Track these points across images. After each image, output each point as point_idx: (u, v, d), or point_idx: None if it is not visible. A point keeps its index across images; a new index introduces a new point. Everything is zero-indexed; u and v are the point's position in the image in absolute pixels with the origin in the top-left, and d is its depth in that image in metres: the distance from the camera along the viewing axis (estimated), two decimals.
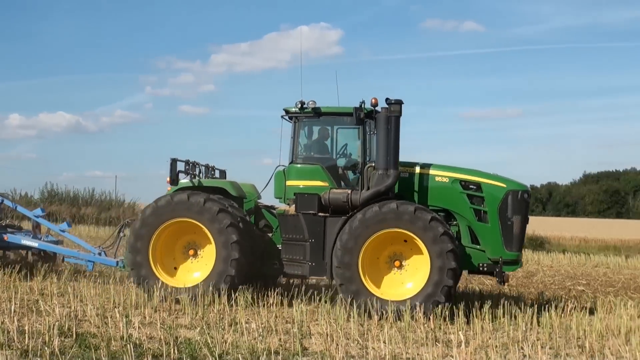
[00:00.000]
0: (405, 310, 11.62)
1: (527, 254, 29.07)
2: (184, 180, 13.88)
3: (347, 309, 11.99)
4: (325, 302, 12.32)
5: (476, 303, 12.45)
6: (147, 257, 13.01)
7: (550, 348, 10.20)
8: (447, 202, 13.12)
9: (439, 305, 11.97)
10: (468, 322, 11.63)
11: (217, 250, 12.80)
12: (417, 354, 9.11)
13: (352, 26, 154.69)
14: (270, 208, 14.79)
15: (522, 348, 9.75)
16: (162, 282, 12.81)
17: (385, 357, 8.97)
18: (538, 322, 11.72)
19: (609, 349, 10.05)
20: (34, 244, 15.47)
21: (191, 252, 13.38)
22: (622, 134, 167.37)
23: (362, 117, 13.10)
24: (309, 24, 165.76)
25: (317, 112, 13.57)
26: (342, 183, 13.46)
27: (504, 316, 11.91)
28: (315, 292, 12.88)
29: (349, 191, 13.03)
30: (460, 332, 10.30)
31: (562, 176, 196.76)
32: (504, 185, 13.06)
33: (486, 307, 12.00)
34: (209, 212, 12.85)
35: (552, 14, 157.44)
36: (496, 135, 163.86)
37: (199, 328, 10.37)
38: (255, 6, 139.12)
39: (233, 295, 12.46)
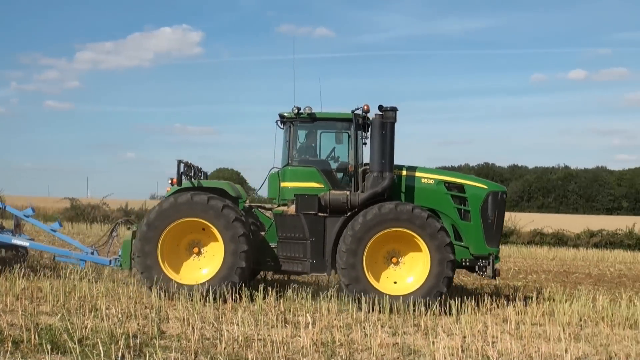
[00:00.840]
0: (409, 304, 12.53)
1: None
2: (186, 181, 14.10)
3: (204, 294, 12.61)
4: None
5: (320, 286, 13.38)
6: (157, 259, 13.20)
7: (389, 327, 11.21)
8: (433, 202, 13.87)
9: (442, 295, 12.98)
10: (316, 305, 12.46)
11: (225, 245, 13.17)
12: (268, 335, 9.76)
13: (212, 28, 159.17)
14: (260, 208, 15.23)
15: (364, 328, 10.65)
16: (175, 282, 13.06)
17: (238, 338, 9.60)
18: (380, 304, 12.73)
19: (442, 327, 11.17)
20: (25, 243, 15.25)
21: (195, 250, 13.65)
22: (456, 133, 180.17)
23: (362, 122, 13.90)
24: (172, 26, 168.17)
25: (312, 118, 14.08)
26: (335, 184, 13.97)
27: (348, 298, 12.92)
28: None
29: (348, 192, 13.62)
30: (308, 314, 11.11)
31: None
32: (485, 187, 14.11)
33: (332, 291, 12.95)
34: (214, 209, 13.21)
35: (396, 24, 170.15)
36: None
37: (59, 314, 10.62)
38: (120, 7, 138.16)
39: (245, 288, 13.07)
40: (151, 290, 12.88)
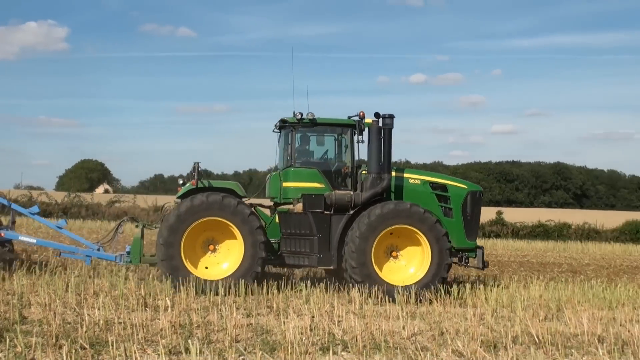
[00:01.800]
0: (414, 292, 13.73)
1: None
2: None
3: (66, 280, 12.87)
4: (45, 274, 13.02)
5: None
6: (180, 250, 13.71)
7: (244, 309, 11.91)
8: (420, 201, 14.86)
9: (444, 280, 14.31)
10: (176, 290, 12.98)
11: (246, 248, 13.94)
12: (128, 319, 10.17)
13: (77, 25, 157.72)
14: (260, 206, 15.63)
15: (220, 310, 11.28)
16: (192, 274, 13.59)
17: (99, 322, 9.96)
18: (236, 288, 13.40)
19: (292, 308, 11.98)
20: (32, 240, 15.20)
21: (211, 247, 14.30)
22: None
23: (363, 128, 14.77)
24: (37, 20, 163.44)
25: (313, 123, 15.05)
26: (334, 185, 14.93)
27: (206, 284, 13.54)
28: (36, 266, 13.47)
29: (352, 192, 14.70)
30: (167, 298, 11.62)
31: (261, 164, 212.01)
32: (465, 187, 15.52)
33: (192, 277, 13.52)
34: (241, 214, 13.97)
35: (253, 26, 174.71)
36: (205, 128, 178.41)
37: None
38: None
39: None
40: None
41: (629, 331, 10.83)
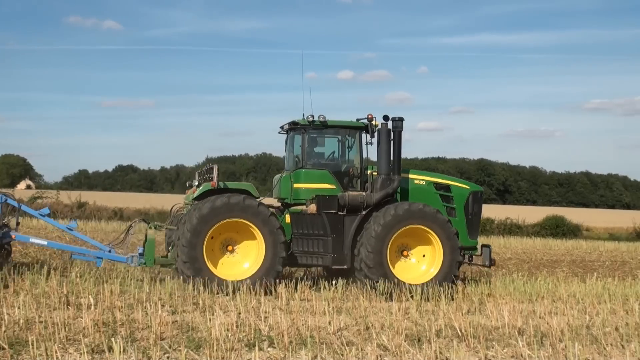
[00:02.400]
0: (429, 289, 14.04)
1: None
2: (207, 183, 14.81)
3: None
4: None
5: (106, 270, 13.66)
6: (202, 251, 13.83)
7: (170, 306, 11.80)
8: (425, 201, 15.20)
9: (456, 277, 14.77)
10: (98, 286, 12.73)
11: (267, 248, 14.10)
12: (50, 317, 9.97)
13: None
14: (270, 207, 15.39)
15: (145, 307, 11.13)
16: (215, 275, 13.73)
17: (19, 321, 9.74)
18: (160, 284, 13.27)
19: (219, 305, 11.93)
20: (42, 242, 15.14)
21: (229, 248, 14.43)
22: (237, 125, 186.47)
23: (375, 130, 14.96)
24: None
25: (324, 125, 15.30)
26: (344, 185, 15.27)
27: (131, 281, 13.34)
28: None
29: (364, 193, 14.93)
30: (90, 296, 11.41)
31: (188, 159, 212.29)
32: (468, 187, 16.05)
33: (115, 273, 13.32)
34: (262, 214, 14.14)
35: (181, 20, 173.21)
36: (131, 123, 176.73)
37: None
38: None
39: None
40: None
41: (547, 323, 11.14)
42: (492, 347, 9.63)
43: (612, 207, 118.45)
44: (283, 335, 9.45)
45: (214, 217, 13.93)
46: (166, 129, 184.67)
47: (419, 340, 9.93)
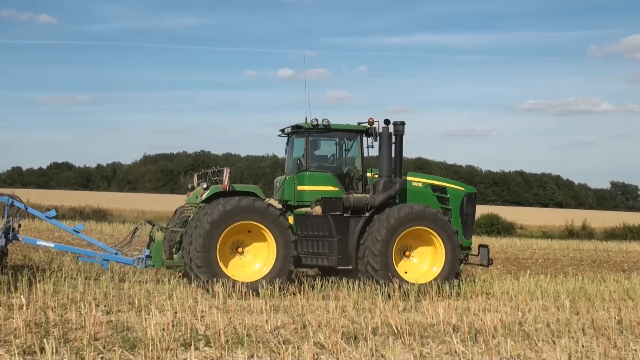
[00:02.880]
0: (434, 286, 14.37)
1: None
2: (215, 186, 15.05)
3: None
4: None
5: (39, 270, 13.37)
6: (216, 255, 14.01)
7: (105, 306, 11.63)
8: (422, 202, 15.64)
9: (458, 274, 15.37)
10: (30, 287, 12.45)
11: (278, 249, 14.35)
12: None
13: None
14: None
15: (79, 307, 10.94)
16: (230, 277, 13.87)
17: None
18: (95, 283, 13.07)
19: (155, 304, 11.81)
20: (50, 245, 14.93)
21: (239, 250, 14.64)
22: (174, 122, 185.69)
23: (378, 134, 15.33)
24: None
25: (327, 128, 15.66)
26: (346, 188, 15.66)
27: (65, 280, 13.10)
28: None
29: (367, 195, 15.26)
30: (22, 296, 11.16)
31: (125, 156, 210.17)
32: (463, 189, 16.61)
33: (48, 272, 13.05)
34: (272, 215, 14.38)
35: (119, 15, 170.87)
36: (66, 119, 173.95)
37: None
38: None
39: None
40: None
41: (481, 320, 11.34)
42: (427, 344, 9.75)
43: (546, 205, 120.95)
44: (220, 335, 9.40)
45: (225, 221, 14.10)
46: (102, 125, 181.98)
47: (355, 338, 10.00)
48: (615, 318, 12.33)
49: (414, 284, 14.35)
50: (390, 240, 14.74)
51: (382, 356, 8.98)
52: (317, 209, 15.26)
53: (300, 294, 13.54)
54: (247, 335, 9.76)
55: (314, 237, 15.26)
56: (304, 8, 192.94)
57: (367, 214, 15.19)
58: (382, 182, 15.41)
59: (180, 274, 15.35)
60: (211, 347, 9.11)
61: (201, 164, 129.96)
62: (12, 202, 14.42)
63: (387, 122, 15.42)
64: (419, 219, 14.99)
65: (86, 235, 16.63)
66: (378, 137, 15.45)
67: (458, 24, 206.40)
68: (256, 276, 14.27)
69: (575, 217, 53.64)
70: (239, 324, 10.41)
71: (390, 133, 15.42)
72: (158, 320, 9.98)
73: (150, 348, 8.53)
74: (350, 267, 15.08)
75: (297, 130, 15.95)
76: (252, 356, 8.76)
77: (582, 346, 9.72)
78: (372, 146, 15.63)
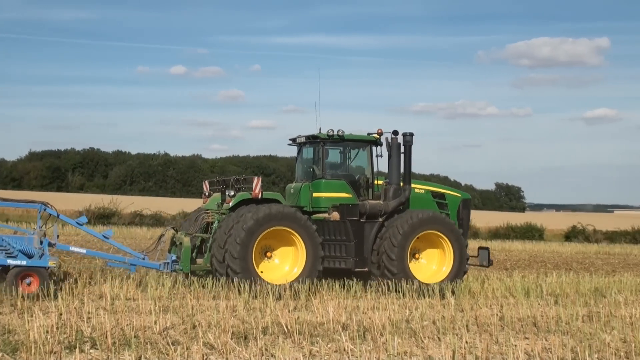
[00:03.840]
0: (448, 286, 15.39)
1: None
2: (242, 193, 15.74)
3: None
4: None
5: None
6: (252, 260, 14.74)
7: None
8: (424, 207, 16.78)
9: (465, 273, 16.60)
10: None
11: (307, 251, 15.21)
12: None
13: None
14: None
15: None
16: (265, 281, 14.62)
17: None
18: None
19: (39, 306, 11.44)
20: (82, 251, 15.21)
21: (268, 254, 15.40)
22: (62, 118, 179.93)
23: (391, 144, 16.26)
24: None
25: (341, 138, 16.50)
26: (358, 194, 16.64)
27: None
28: None
29: (381, 202, 16.26)
30: None
31: (9, 153, 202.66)
32: (459, 195, 17.85)
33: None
34: (302, 220, 15.24)
35: (5, 6, 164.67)
36: None
37: None
38: None
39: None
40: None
41: (370, 318, 11.54)
42: (317, 343, 9.84)
43: None
44: (106, 336, 9.19)
45: (259, 227, 14.83)
46: None
47: (245, 338, 9.99)
48: (497, 315, 12.81)
49: (428, 284, 15.53)
50: (405, 245, 15.74)
51: (272, 355, 9.00)
52: (335, 215, 16.22)
53: (190, 294, 13.41)
54: (134, 336, 9.60)
55: (332, 241, 16.04)
56: (197, 5, 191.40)
57: (381, 220, 16.14)
58: (392, 189, 16.45)
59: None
60: (97, 349, 8.90)
61: (90, 161, 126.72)
62: (45, 208, 14.41)
63: (395, 133, 16.40)
64: (430, 224, 16.08)
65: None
66: (389, 147, 16.39)
67: (351, 26, 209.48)
68: (288, 277, 15.10)
69: None
70: (127, 325, 10.22)
71: (399, 143, 16.37)
72: (42, 322, 9.69)
73: (32, 351, 8.27)
74: (366, 269, 16.08)
75: (312, 140, 16.77)
76: (140, 358, 8.61)
77: (466, 342, 10.03)
78: (381, 155, 16.68)
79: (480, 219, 57.41)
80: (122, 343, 9.25)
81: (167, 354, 8.71)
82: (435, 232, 16.13)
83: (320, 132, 16.58)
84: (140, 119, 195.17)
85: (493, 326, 11.64)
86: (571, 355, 9.38)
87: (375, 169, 17.02)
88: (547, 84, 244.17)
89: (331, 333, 10.61)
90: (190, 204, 49.70)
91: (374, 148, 16.96)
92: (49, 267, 13.15)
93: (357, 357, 9.05)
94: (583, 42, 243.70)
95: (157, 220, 42.62)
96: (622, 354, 9.85)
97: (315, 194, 16.47)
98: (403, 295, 14.91)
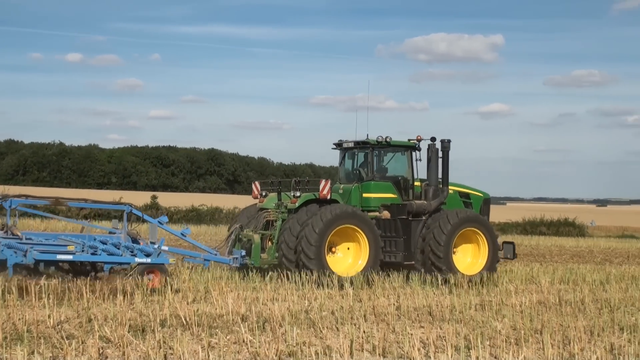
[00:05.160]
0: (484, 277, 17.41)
1: None
2: (306, 194, 17.30)
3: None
4: None
5: None
6: (325, 253, 16.47)
7: None
8: (454, 207, 18.56)
9: (498, 262, 18.46)
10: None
11: (370, 244, 16.81)
12: None
13: None
14: None
15: None
16: (335, 273, 16.18)
17: None
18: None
19: None
20: (165, 248, 15.28)
21: (333, 249, 16.98)
22: None
23: (431, 150, 18.12)
24: None
25: (388, 144, 18.32)
26: (402, 195, 18.31)
27: None
28: None
29: (425, 202, 18.01)
30: None
31: None
32: (481, 195, 19.78)
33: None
34: (365, 218, 17.04)
35: None
36: None
37: None
38: None
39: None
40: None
41: (269, 309, 11.59)
42: (216, 334, 9.82)
43: None
44: None
45: (330, 225, 16.38)
46: None
47: (143, 331, 9.87)
48: (394, 304, 13.09)
49: (463, 273, 17.11)
50: (449, 242, 17.31)
51: (170, 348, 8.92)
52: (386, 214, 17.88)
53: (85, 287, 13.10)
54: (27, 331, 9.34)
55: (383, 237, 17.34)
56: None
57: (424, 218, 17.81)
58: (431, 190, 18.22)
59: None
60: None
61: None
62: (131, 210, 15.59)
63: (433, 139, 18.24)
64: (470, 222, 17.79)
65: None
66: (429, 152, 18.17)
67: (253, 17, 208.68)
68: (353, 269, 16.69)
69: None
70: (19, 319, 9.93)
71: (438, 149, 18.15)
72: None
73: None
74: (413, 262, 17.70)
75: (361, 145, 18.40)
76: (33, 353, 8.36)
77: (364, 332, 10.20)
78: (420, 159, 18.45)
79: None
80: (14, 338, 9.00)
81: (62, 349, 8.50)
82: (474, 229, 17.86)
83: (368, 138, 18.28)
84: (33, 107, 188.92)
85: (390, 316, 11.87)
86: (464, 342, 9.69)
87: (414, 172, 18.67)
88: (444, 79, 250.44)
89: (230, 324, 10.60)
90: (86, 195, 48.55)
91: (413, 153, 18.63)
92: (169, 264, 14.64)
93: (256, 348, 9.07)
94: (479, 38, 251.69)
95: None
96: (512, 340, 10.22)
97: (365, 195, 18.09)
98: (302, 286, 15.03)
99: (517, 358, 8.86)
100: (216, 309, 11.67)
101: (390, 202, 18.05)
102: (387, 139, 18.21)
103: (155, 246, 14.77)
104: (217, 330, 10.15)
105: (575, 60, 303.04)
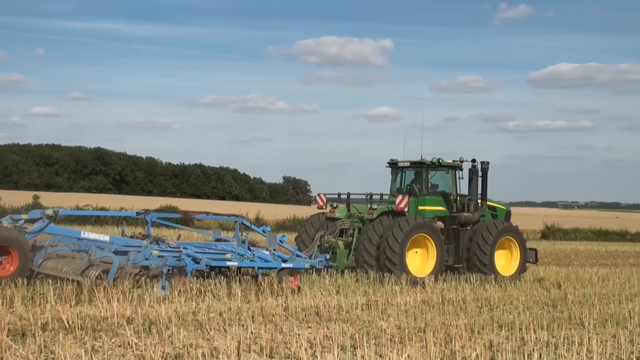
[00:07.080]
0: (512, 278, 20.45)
1: None
2: (381, 206, 19.91)
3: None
4: None
5: None
6: (405, 259, 18.88)
7: None
8: (486, 219, 21.44)
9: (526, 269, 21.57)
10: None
11: (437, 250, 19.40)
12: None
13: None
14: None
15: None
16: (411, 274, 18.69)
17: None
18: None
19: None
20: (266, 254, 16.68)
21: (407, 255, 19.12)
22: None
23: (476, 170, 20.94)
24: None
25: (440, 164, 20.85)
26: (449, 208, 20.90)
27: None
28: None
29: (470, 214, 20.75)
30: None
31: None
32: (504, 208, 22.78)
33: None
34: (434, 227, 19.67)
35: None
36: None
37: None
38: None
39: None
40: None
41: (156, 311, 11.42)
42: (100, 338, 9.61)
43: (223, 198, 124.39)
44: None
45: (410, 234, 18.85)
46: None
47: (23, 335, 9.56)
48: (282, 305, 13.16)
49: (505, 276, 20.10)
50: (492, 250, 20.34)
51: (52, 352, 8.68)
52: (439, 224, 20.42)
53: None
54: None
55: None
56: None
57: (469, 228, 20.69)
58: (472, 204, 20.88)
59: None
60: None
61: None
62: (242, 221, 17.53)
63: (473, 160, 20.94)
64: (508, 231, 20.90)
65: None
66: (470, 172, 20.85)
67: (142, 14, 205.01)
68: (422, 271, 19.19)
69: (250, 209, 55.62)
70: None
71: (478, 169, 20.93)
72: None
73: None
74: (461, 265, 20.47)
75: (417, 165, 20.99)
76: None
77: (251, 332, 10.22)
78: (462, 178, 21.03)
79: (268, 212, 58.59)
80: None
81: None
82: (510, 237, 20.93)
83: (423, 159, 20.90)
84: None
85: (278, 316, 11.94)
86: (350, 341, 9.85)
87: (457, 188, 21.16)
88: (334, 82, 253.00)
89: (115, 327, 10.40)
90: None
91: (457, 172, 21.13)
92: (309, 268, 17.02)
93: (141, 351, 8.93)
94: (368, 42, 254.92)
95: None
96: (397, 339, 10.47)
97: (420, 207, 20.46)
98: (190, 289, 14.87)
99: (402, 356, 9.06)
100: (100, 312, 11.41)
101: (440, 214, 20.72)
102: (440, 160, 20.82)
103: (273, 253, 16.67)
104: (101, 333, 9.94)
105: (460, 66, 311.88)
